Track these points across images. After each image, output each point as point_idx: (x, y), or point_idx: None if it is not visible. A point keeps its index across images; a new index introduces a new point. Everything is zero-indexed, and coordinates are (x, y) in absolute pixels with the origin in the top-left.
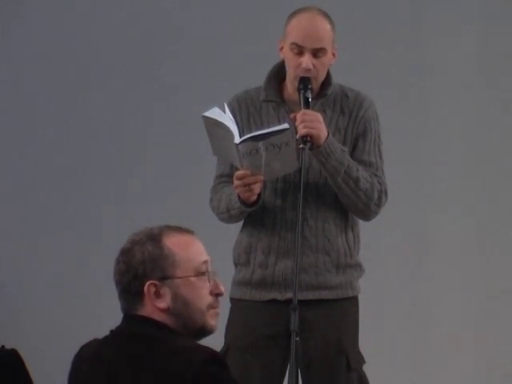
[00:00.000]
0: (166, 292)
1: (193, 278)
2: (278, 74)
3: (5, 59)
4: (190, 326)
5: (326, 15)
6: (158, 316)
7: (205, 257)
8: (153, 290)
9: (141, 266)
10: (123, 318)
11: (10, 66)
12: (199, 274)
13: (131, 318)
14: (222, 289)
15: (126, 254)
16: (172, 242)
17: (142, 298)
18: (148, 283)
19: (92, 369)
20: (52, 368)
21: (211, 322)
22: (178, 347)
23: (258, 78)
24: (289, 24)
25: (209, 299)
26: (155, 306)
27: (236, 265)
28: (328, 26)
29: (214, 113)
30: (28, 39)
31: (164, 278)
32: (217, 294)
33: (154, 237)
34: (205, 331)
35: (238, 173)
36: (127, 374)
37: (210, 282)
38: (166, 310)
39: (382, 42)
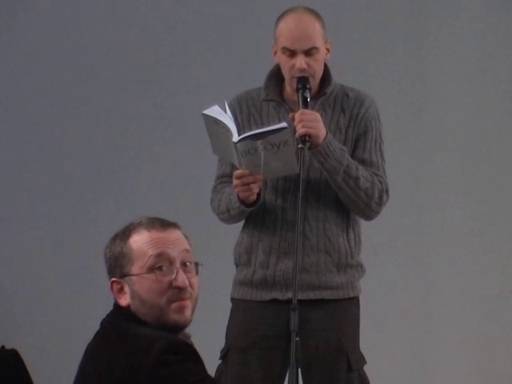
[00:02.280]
0: (127, 289)
1: (146, 275)
2: (278, 73)
3: (4, 59)
4: (155, 321)
5: (313, 12)
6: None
7: (164, 249)
8: (116, 287)
9: (107, 263)
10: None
11: (9, 65)
12: (152, 269)
13: (114, 308)
14: (181, 281)
15: (104, 249)
16: (135, 239)
17: (113, 294)
18: (111, 280)
19: (82, 361)
20: (52, 368)
21: (175, 316)
22: (139, 335)
23: (258, 78)
24: (277, 28)
25: (168, 293)
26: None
27: (237, 265)
28: (316, 24)
29: (214, 111)
30: (28, 39)
31: (123, 276)
32: (176, 287)
33: (124, 233)
34: (172, 326)
35: (237, 172)
36: (93, 362)
37: (173, 275)
38: (128, 307)
39: (382, 41)
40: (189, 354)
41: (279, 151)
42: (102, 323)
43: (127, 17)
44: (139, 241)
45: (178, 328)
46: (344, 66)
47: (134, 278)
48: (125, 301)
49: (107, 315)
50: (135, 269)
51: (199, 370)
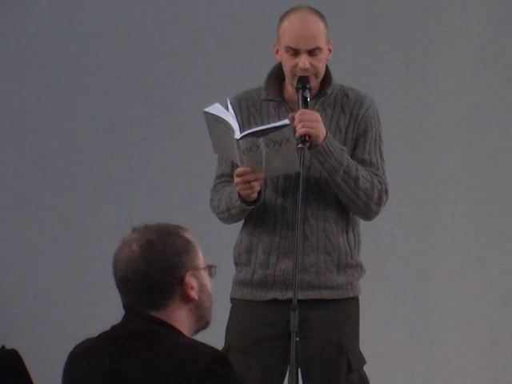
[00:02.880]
0: (195, 283)
1: (206, 270)
2: (279, 73)
3: (4, 59)
4: (204, 319)
5: (317, 13)
6: (176, 314)
7: None
8: (192, 281)
9: (177, 257)
10: (128, 314)
11: (9, 65)
12: (209, 266)
13: (137, 316)
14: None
15: (152, 247)
16: (187, 233)
17: (175, 291)
18: (189, 274)
19: (92, 364)
20: (52, 368)
21: (210, 315)
22: (182, 345)
23: (258, 78)
24: (281, 27)
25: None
26: (186, 298)
27: (237, 264)
28: (320, 24)
29: (215, 109)
30: (27, 38)
31: (194, 269)
32: None
33: (170, 228)
34: (208, 324)
35: (238, 170)
36: (130, 371)
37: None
38: (194, 302)
39: (382, 41)
40: (231, 365)
41: (281, 149)
42: (127, 330)
43: (127, 16)
44: (193, 237)
45: (206, 327)
46: (344, 66)
47: (202, 271)
48: (194, 294)
49: (133, 321)
50: (201, 263)
51: (241, 382)
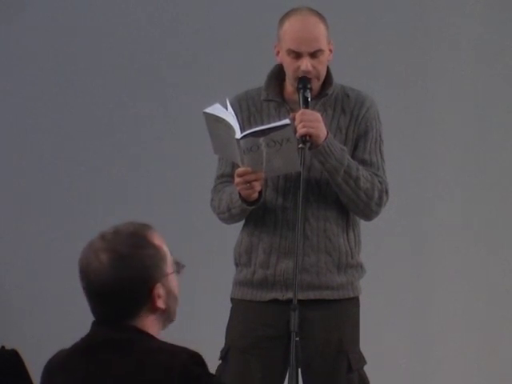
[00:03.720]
0: (162, 292)
1: (174, 272)
2: (279, 74)
3: (4, 58)
4: (169, 319)
5: (318, 14)
6: (145, 321)
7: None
8: (159, 291)
9: (145, 271)
10: (98, 323)
11: (8, 64)
12: (176, 265)
13: (108, 324)
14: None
15: (122, 261)
16: (156, 238)
17: (144, 302)
18: (157, 285)
19: (67, 379)
20: None
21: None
22: (157, 349)
23: (258, 78)
24: (282, 28)
25: None
26: (154, 307)
27: (237, 265)
28: (321, 26)
29: (215, 109)
30: (27, 38)
31: (162, 277)
32: None
33: (140, 236)
34: (172, 321)
35: (239, 170)
36: (106, 381)
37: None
38: (161, 310)
39: (382, 41)
40: (206, 365)
41: (281, 148)
42: (100, 340)
43: (127, 16)
44: (161, 239)
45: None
46: (344, 65)
47: (169, 276)
48: (162, 303)
49: (104, 331)
50: (168, 267)
51: (218, 380)
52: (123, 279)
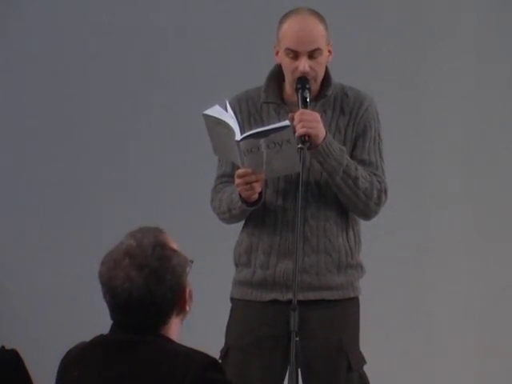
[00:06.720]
0: (189, 294)
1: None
2: (278, 75)
3: (4, 58)
4: (184, 318)
5: (317, 14)
6: (171, 327)
7: None
8: (188, 295)
9: (177, 282)
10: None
11: (8, 64)
12: (190, 264)
13: (132, 330)
14: None
15: (155, 277)
16: (171, 242)
17: (176, 309)
18: (187, 291)
19: (83, 373)
20: (52, 368)
21: None
22: (174, 352)
23: (258, 78)
24: (281, 29)
25: None
26: (180, 312)
27: (237, 265)
28: (320, 26)
29: (215, 111)
30: (26, 38)
31: (187, 280)
32: None
33: (162, 245)
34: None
35: (239, 171)
36: (121, 380)
37: None
38: (186, 312)
39: (382, 41)
40: (224, 370)
41: (281, 150)
42: (116, 339)
43: (127, 17)
44: (172, 240)
45: None
46: (344, 65)
47: (188, 278)
48: (189, 307)
49: (121, 331)
50: (188, 269)
51: None
52: (159, 293)
